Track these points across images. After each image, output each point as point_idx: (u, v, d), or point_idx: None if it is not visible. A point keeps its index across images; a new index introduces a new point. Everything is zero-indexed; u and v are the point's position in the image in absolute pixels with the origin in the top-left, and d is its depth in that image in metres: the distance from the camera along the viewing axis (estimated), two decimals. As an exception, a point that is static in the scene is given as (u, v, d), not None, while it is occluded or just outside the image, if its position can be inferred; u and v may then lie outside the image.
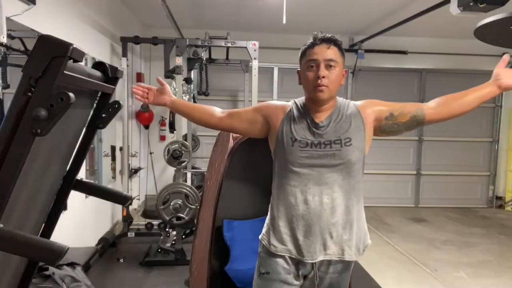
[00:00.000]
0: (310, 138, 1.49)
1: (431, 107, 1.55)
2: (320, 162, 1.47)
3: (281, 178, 1.54)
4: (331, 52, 1.48)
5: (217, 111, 1.63)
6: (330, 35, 1.51)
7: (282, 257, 1.53)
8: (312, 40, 1.51)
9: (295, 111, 1.56)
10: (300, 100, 1.61)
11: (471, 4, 2.36)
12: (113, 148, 4.61)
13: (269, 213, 1.61)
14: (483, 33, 2.32)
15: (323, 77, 1.44)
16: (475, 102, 1.66)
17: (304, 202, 1.48)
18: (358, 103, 1.59)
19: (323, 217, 1.47)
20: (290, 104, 1.61)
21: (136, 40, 4.55)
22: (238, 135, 2.22)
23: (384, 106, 1.56)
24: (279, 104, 1.62)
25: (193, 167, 5.33)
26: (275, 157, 1.57)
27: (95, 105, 1.30)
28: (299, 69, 1.57)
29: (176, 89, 4.04)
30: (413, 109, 1.54)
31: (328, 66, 1.47)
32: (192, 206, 3.66)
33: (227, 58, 5.37)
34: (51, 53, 0.83)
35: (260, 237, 1.63)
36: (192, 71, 5.23)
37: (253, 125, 1.59)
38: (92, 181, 1.77)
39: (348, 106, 1.58)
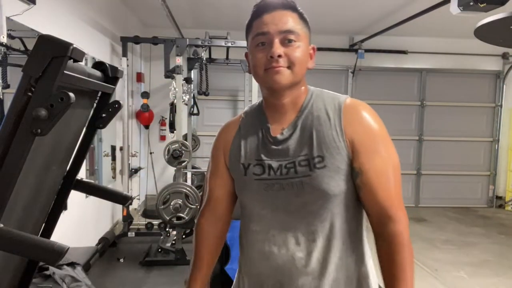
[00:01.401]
0: (266, 159, 1.03)
1: (376, 236, 1.00)
2: (284, 195, 1.00)
3: (243, 223, 1.12)
4: (290, 20, 0.99)
5: (207, 225, 1.17)
6: None
7: None
8: (259, 7, 1.02)
9: (246, 123, 1.11)
10: (255, 106, 1.15)
11: (471, 4, 2.36)
12: (113, 148, 4.61)
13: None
14: (483, 33, 2.33)
15: (279, 56, 0.97)
16: None
17: (270, 256, 1.03)
18: (347, 100, 1.03)
19: (296, 281, 1.00)
20: (238, 116, 1.16)
21: (136, 40, 4.55)
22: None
23: (367, 152, 0.97)
24: (230, 122, 1.18)
25: (193, 167, 5.33)
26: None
27: (95, 105, 1.30)
28: (246, 51, 1.10)
29: (176, 89, 4.04)
30: (374, 207, 0.98)
31: (286, 41, 0.98)
32: (192, 206, 3.66)
33: (227, 58, 5.38)
34: (51, 53, 0.83)
35: None
36: (192, 71, 5.24)
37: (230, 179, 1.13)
38: (92, 181, 1.77)
39: (329, 101, 1.04)
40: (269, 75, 0.99)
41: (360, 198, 1.00)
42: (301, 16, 1.02)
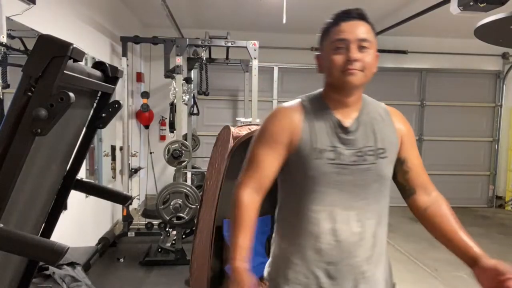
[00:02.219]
0: (339, 147, 1.16)
1: (427, 202, 1.28)
2: (352, 179, 1.15)
3: (297, 202, 1.18)
4: (364, 30, 1.15)
5: (253, 201, 1.21)
6: (356, 8, 1.19)
7: None
8: (336, 16, 1.18)
9: (310, 112, 1.21)
10: (313, 97, 1.26)
11: (471, 3, 2.36)
12: (113, 148, 4.61)
13: (275, 247, 1.26)
14: (483, 33, 2.33)
15: (356, 60, 1.12)
16: (449, 244, 1.30)
17: (332, 232, 1.15)
18: (388, 107, 1.33)
19: (354, 252, 1.15)
20: (298, 103, 1.24)
21: (136, 39, 4.55)
22: (238, 134, 2.21)
23: (410, 144, 1.29)
24: (289, 106, 1.24)
25: (193, 167, 5.33)
26: (289, 174, 1.21)
27: (95, 105, 1.30)
28: (318, 53, 1.24)
29: (176, 89, 4.04)
30: (421, 182, 1.28)
31: (361, 48, 1.13)
32: (192, 206, 3.66)
33: (227, 58, 5.37)
34: (51, 52, 0.83)
35: (265, 276, 1.28)
36: (192, 71, 5.23)
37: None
38: (92, 181, 1.77)
39: (376, 104, 1.28)
40: (345, 76, 1.13)
41: (403, 179, 1.27)
42: (372, 27, 1.19)
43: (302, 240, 1.17)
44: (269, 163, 1.19)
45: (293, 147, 1.17)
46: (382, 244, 1.22)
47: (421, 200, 1.27)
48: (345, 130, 1.17)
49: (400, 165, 1.25)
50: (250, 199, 1.19)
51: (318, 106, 1.21)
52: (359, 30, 1.14)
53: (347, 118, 1.19)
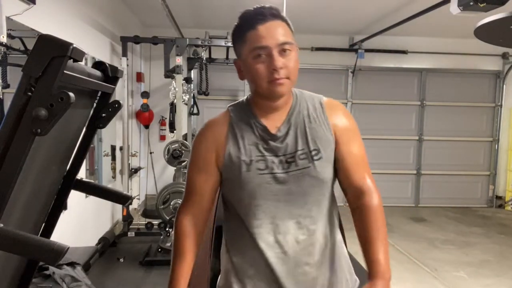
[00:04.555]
0: (267, 155, 1.10)
1: (353, 205, 1.14)
2: (287, 187, 1.09)
3: (240, 218, 1.14)
4: (283, 32, 1.06)
5: (190, 230, 1.18)
6: (268, 5, 1.08)
7: None
8: (249, 17, 1.07)
9: (236, 121, 1.14)
10: (240, 104, 1.19)
11: (471, 3, 2.36)
12: (113, 148, 4.61)
13: (226, 260, 1.24)
14: (483, 33, 2.32)
15: (281, 68, 1.04)
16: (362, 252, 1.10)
17: (277, 245, 1.10)
18: (324, 98, 1.19)
19: (303, 260, 1.11)
20: (225, 114, 1.18)
21: (136, 39, 4.55)
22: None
23: (346, 140, 1.14)
24: (215, 120, 1.18)
25: (193, 167, 5.32)
26: (226, 191, 1.17)
27: (95, 104, 1.30)
28: (235, 59, 1.15)
29: (176, 89, 4.04)
30: (351, 184, 1.14)
31: (283, 52, 1.05)
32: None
33: (227, 58, 5.38)
34: (51, 52, 0.83)
35: None
36: (192, 71, 5.24)
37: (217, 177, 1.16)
38: (92, 181, 1.78)
39: (311, 100, 1.17)
40: (273, 87, 1.06)
41: (338, 179, 1.17)
42: (288, 24, 1.10)
43: (244, 257, 1.14)
44: (203, 185, 1.15)
45: (221, 163, 1.13)
46: (333, 246, 1.16)
47: (350, 201, 1.15)
48: (273, 136, 1.11)
49: (335, 163, 1.14)
50: (189, 225, 1.16)
51: (244, 114, 1.15)
52: (278, 33, 1.05)
53: (276, 123, 1.12)
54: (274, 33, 1.05)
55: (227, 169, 1.13)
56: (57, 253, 0.86)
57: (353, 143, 1.15)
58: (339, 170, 1.14)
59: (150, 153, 5.76)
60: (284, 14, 1.11)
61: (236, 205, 1.15)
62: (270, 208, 1.10)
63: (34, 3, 2.53)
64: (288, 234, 1.10)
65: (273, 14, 1.07)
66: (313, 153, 1.10)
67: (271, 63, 1.04)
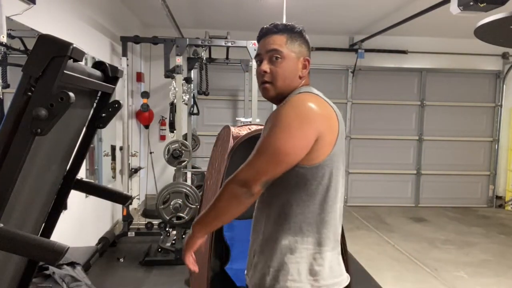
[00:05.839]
0: None
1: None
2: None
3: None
4: (274, 41, 1.25)
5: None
6: (276, 23, 1.28)
7: None
8: (260, 33, 1.31)
9: None
10: None
11: (471, 3, 2.36)
12: (113, 148, 4.61)
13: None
14: (483, 33, 2.32)
15: (265, 72, 1.24)
16: None
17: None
18: (289, 98, 1.22)
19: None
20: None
21: (136, 39, 4.55)
22: (238, 134, 2.21)
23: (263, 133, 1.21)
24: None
25: (193, 167, 5.33)
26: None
27: (95, 104, 1.30)
28: None
29: (176, 89, 4.04)
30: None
31: (273, 58, 1.24)
32: (192, 206, 3.66)
33: (227, 58, 5.37)
34: (51, 52, 0.83)
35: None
36: (192, 71, 5.24)
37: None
38: (92, 181, 1.77)
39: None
40: (261, 90, 1.29)
41: None
42: (290, 37, 1.26)
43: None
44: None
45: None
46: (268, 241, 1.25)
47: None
48: None
49: None
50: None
51: None
52: (270, 42, 1.25)
53: None
54: (266, 43, 1.26)
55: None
56: (57, 253, 0.86)
57: (262, 136, 1.20)
58: None
59: (150, 153, 5.76)
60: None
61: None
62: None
63: (34, 3, 2.53)
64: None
65: (275, 30, 1.26)
66: None
67: (259, 68, 1.27)
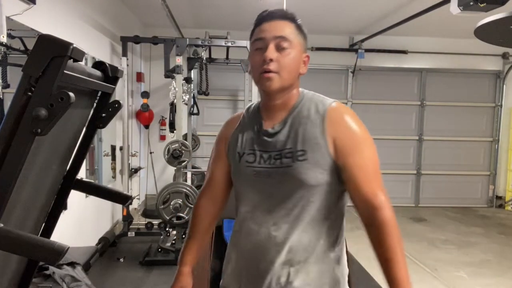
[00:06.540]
0: (257, 150, 1.16)
1: (365, 221, 1.09)
2: (270, 182, 1.13)
3: (236, 204, 1.25)
4: (284, 28, 1.11)
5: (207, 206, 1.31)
6: (283, 9, 1.17)
7: None
8: (260, 17, 1.15)
9: (245, 120, 1.25)
10: (255, 104, 1.29)
11: (471, 3, 2.36)
12: (113, 148, 4.61)
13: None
14: (483, 33, 2.33)
15: (271, 60, 1.08)
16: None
17: (252, 232, 1.16)
18: (333, 105, 1.13)
19: (268, 255, 1.13)
20: (243, 111, 1.31)
21: (136, 39, 4.55)
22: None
23: (350, 150, 1.09)
24: (233, 117, 1.31)
25: (193, 167, 5.34)
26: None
27: (95, 104, 1.30)
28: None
29: (176, 89, 4.04)
30: (361, 198, 1.07)
31: (280, 47, 1.09)
32: (192, 206, 3.66)
33: (227, 58, 5.38)
34: (51, 52, 0.83)
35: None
36: (192, 71, 5.24)
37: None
38: (92, 181, 1.77)
39: (315, 102, 1.15)
40: (262, 80, 1.11)
41: (348, 191, 1.12)
42: (298, 27, 1.14)
43: (237, 237, 1.23)
44: (217, 172, 1.28)
45: (226, 154, 1.26)
46: (306, 252, 1.11)
47: (362, 216, 1.09)
48: (265, 132, 1.16)
49: (340, 172, 1.10)
50: (204, 207, 1.31)
51: (254, 112, 1.25)
52: (278, 28, 1.10)
53: (274, 121, 1.16)
54: (274, 28, 1.11)
55: (229, 159, 1.25)
56: (57, 253, 0.86)
57: (359, 154, 1.09)
58: (346, 182, 1.10)
59: (150, 153, 5.76)
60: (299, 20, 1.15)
61: (235, 193, 1.25)
62: (254, 199, 1.16)
63: (34, 3, 2.53)
64: (263, 226, 1.14)
65: (283, 15, 1.13)
66: (299, 153, 1.09)
67: (264, 54, 1.09)
